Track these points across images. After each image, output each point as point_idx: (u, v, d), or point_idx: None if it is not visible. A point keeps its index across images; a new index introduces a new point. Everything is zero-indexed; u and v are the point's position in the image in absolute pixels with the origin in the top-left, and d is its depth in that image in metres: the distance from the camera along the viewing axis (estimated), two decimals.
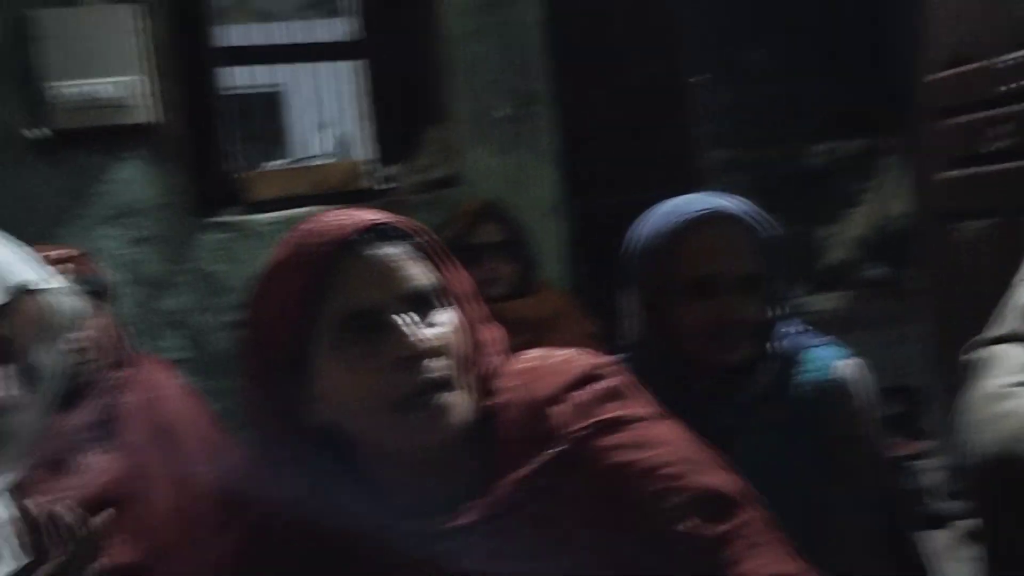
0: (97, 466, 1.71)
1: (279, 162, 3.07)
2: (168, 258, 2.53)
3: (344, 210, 0.94)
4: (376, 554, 0.89)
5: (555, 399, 0.92)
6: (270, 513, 0.95)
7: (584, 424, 0.90)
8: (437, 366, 0.87)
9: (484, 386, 0.93)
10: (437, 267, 0.93)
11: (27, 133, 2.36)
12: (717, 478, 0.90)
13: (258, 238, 2.56)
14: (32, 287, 0.85)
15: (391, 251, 0.89)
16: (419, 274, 0.90)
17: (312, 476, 0.90)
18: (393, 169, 2.79)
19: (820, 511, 1.27)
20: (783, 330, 1.35)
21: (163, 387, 1.96)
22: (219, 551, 1.64)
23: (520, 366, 0.98)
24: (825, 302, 3.61)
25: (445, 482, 0.91)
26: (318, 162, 2.98)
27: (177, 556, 1.73)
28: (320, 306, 0.88)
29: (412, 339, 0.86)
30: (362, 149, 3.14)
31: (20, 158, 2.40)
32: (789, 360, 1.34)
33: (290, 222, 2.55)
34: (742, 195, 1.40)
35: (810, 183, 3.76)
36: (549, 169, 2.84)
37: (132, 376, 1.88)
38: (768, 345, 1.33)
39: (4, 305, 0.82)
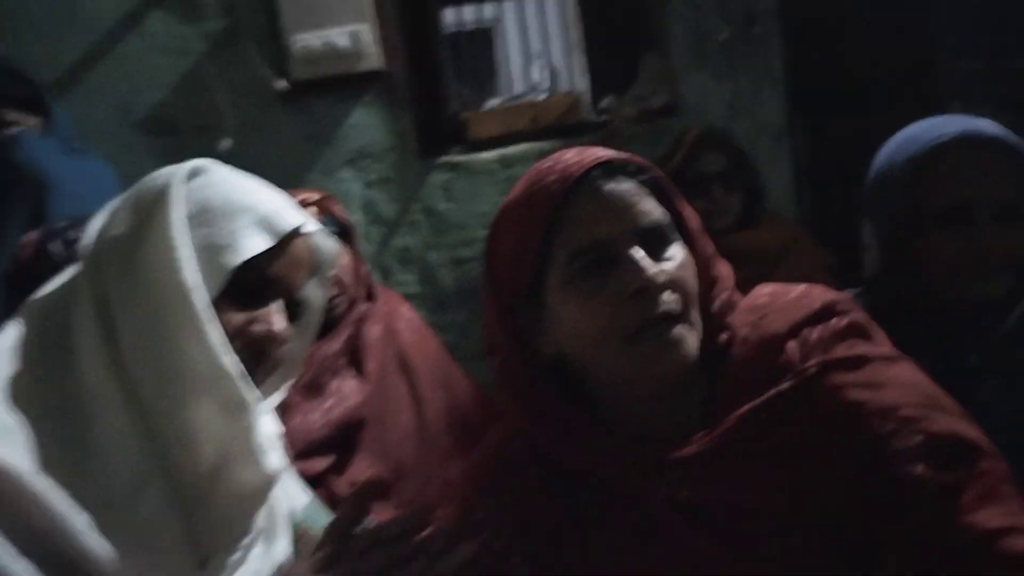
0: (347, 390, 1.87)
1: (497, 100, 3.11)
2: (398, 198, 2.66)
3: (576, 148, 0.95)
4: (605, 480, 0.92)
5: (789, 335, 0.91)
6: (508, 437, 1.01)
7: (818, 361, 0.88)
8: (669, 299, 0.88)
9: (715, 321, 0.93)
10: (667, 202, 0.93)
11: (274, 84, 2.55)
12: (955, 424, 0.85)
13: (481, 176, 2.64)
14: (300, 230, 0.93)
15: (623, 187, 0.91)
16: (651, 209, 0.91)
17: (545, 404, 0.94)
18: (609, 100, 2.76)
19: None
20: None
21: (400, 319, 2.10)
22: (457, 472, 1.75)
23: (753, 302, 0.97)
24: None
25: (672, 413, 0.93)
26: (534, 98, 2.98)
27: (415, 475, 1.87)
28: (554, 241, 0.90)
29: (645, 272, 0.87)
30: (576, 81, 3.13)
31: (268, 108, 2.60)
32: None
33: (511, 159, 2.63)
34: (992, 114, 1.27)
35: None
36: (774, 92, 2.69)
37: (374, 309, 2.03)
38: None
39: (277, 246, 0.89)
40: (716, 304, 0.94)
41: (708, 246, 0.96)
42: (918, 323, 1.18)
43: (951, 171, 1.20)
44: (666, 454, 0.89)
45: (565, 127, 2.71)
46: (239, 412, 0.85)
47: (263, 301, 0.89)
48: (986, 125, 1.22)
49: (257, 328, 0.88)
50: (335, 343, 1.89)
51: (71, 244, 1.37)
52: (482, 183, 2.64)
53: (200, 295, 0.83)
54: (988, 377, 1.16)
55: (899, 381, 0.87)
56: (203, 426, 0.83)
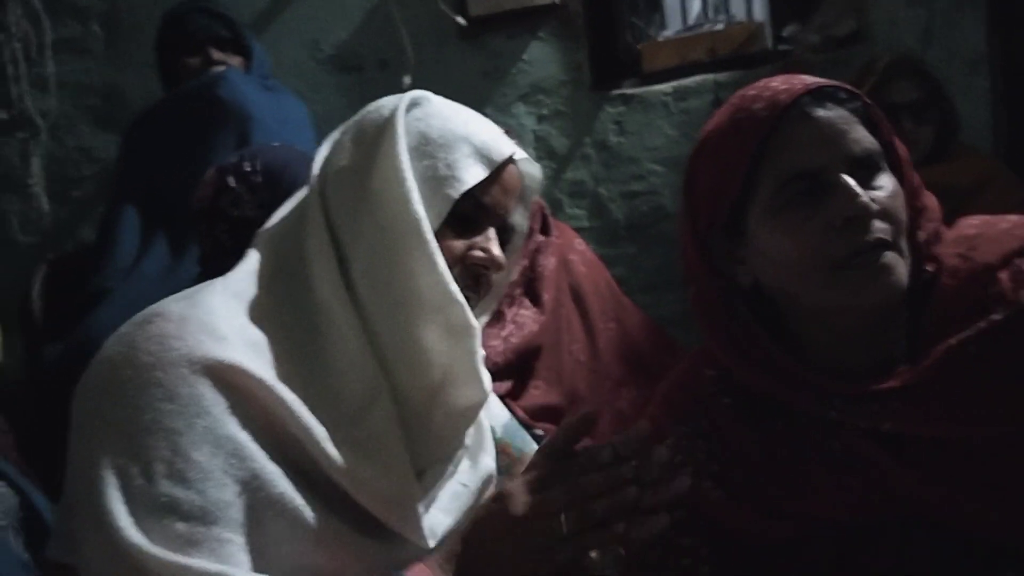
0: (524, 319, 1.94)
1: (673, 31, 3.04)
2: (570, 132, 2.67)
3: (782, 76, 0.94)
4: (800, 411, 0.93)
5: (1001, 265, 0.88)
6: (699, 366, 1.03)
7: None
8: (880, 227, 0.87)
9: (922, 252, 0.92)
10: (876, 132, 0.92)
11: (454, 20, 2.60)
12: None
13: (654, 109, 2.61)
14: (512, 158, 0.95)
15: (834, 113, 0.89)
16: (862, 137, 0.90)
17: (741, 334, 0.95)
18: (791, 29, 2.64)
19: None
20: None
21: (573, 252, 2.14)
22: (632, 402, 1.78)
23: (961, 231, 0.94)
24: None
25: (873, 347, 0.92)
26: (712, 27, 2.89)
27: (587, 403, 1.93)
28: (761, 169, 0.90)
29: (859, 199, 0.86)
30: (756, 10, 3.01)
31: (447, 44, 2.66)
32: None
33: (685, 92, 2.58)
34: None
35: None
36: (973, 16, 2.49)
37: (548, 242, 2.08)
38: None
39: (492, 174, 0.91)
40: (923, 235, 0.92)
41: (915, 177, 0.94)
42: None
43: None
44: (868, 388, 0.89)
45: (744, 57, 2.62)
46: (464, 336, 0.88)
47: (480, 228, 0.92)
48: None
49: (477, 255, 0.91)
50: (514, 273, 1.95)
51: (246, 177, 1.42)
52: (655, 116, 2.61)
53: (427, 225, 0.86)
54: None
55: None
56: (429, 348, 0.87)
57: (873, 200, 0.87)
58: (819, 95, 0.90)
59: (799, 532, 0.91)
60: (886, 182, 0.90)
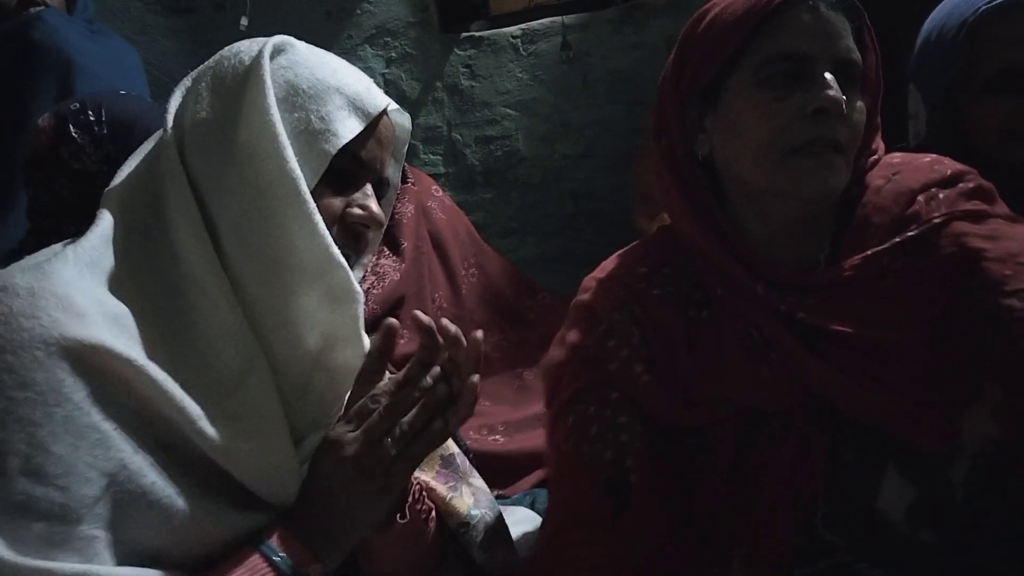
0: (385, 267, 1.91)
1: None
2: (420, 76, 2.62)
3: None
4: (725, 299, 0.99)
5: (921, 190, 0.97)
6: (632, 261, 1.08)
7: (945, 212, 0.93)
8: (842, 132, 0.92)
9: (862, 169, 0.99)
10: (863, 53, 0.97)
11: None
12: None
13: (504, 52, 2.59)
14: (387, 109, 0.91)
15: (836, 16, 0.94)
16: (854, 49, 0.95)
17: (697, 193, 1.00)
18: None
19: None
20: None
21: (431, 198, 2.12)
22: (504, 341, 1.79)
23: (887, 160, 1.02)
24: None
25: (801, 243, 0.99)
26: None
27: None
28: (754, 42, 0.94)
29: (833, 95, 0.90)
30: None
31: None
32: None
33: (535, 34, 2.57)
34: None
35: None
36: None
37: (405, 188, 2.04)
38: None
39: (367, 127, 0.87)
40: (868, 160, 0.99)
41: (877, 118, 1.01)
42: None
43: (1004, 34, 1.19)
44: (792, 278, 0.96)
45: (593, 1, 2.64)
46: (346, 301, 0.84)
47: (357, 184, 0.88)
48: None
49: (356, 212, 0.87)
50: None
51: (89, 127, 1.31)
52: (506, 59, 2.59)
53: (304, 184, 0.80)
54: None
55: (1018, 236, 0.93)
56: (309, 314, 0.82)
57: (843, 100, 0.91)
58: None
59: (714, 417, 0.97)
60: (858, 99, 0.95)
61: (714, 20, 0.98)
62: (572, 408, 1.02)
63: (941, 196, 0.96)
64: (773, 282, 0.96)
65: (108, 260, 0.80)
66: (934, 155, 1.02)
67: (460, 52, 2.60)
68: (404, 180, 2.05)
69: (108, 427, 0.72)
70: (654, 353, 1.00)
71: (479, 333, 0.88)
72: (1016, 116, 1.20)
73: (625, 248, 1.12)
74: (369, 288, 1.86)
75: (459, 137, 2.64)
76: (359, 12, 2.57)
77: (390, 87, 2.61)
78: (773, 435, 0.94)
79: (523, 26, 2.59)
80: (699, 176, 1.01)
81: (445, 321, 0.85)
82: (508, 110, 2.61)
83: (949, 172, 0.99)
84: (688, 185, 1.01)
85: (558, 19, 2.57)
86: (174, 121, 0.85)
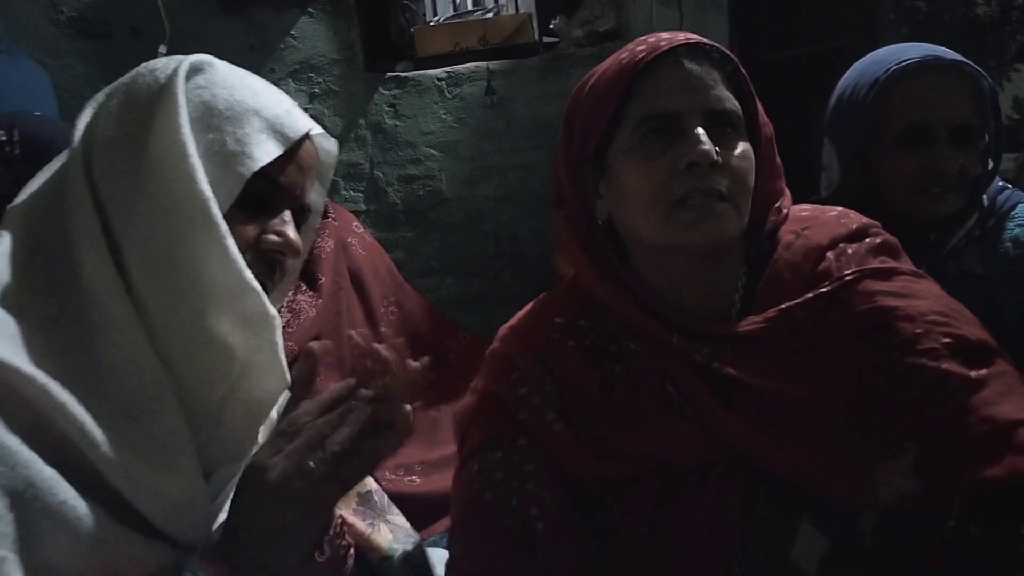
0: (302, 304, 1.86)
1: (443, 16, 3.05)
2: (344, 113, 2.61)
3: (674, 31, 0.99)
4: (639, 352, 0.99)
5: (830, 246, 0.98)
6: (547, 309, 1.07)
7: (855, 269, 0.95)
8: (721, 181, 0.92)
9: (768, 228, 1.00)
10: (745, 101, 0.97)
11: None
12: (978, 330, 0.93)
13: (428, 93, 2.61)
14: (310, 133, 0.89)
15: (704, 68, 0.94)
16: (726, 97, 0.95)
17: (602, 258, 1.01)
18: (557, 22, 2.74)
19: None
20: (996, 185, 1.30)
21: (351, 234, 2.09)
22: (421, 380, 1.77)
23: (795, 214, 1.03)
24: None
25: (708, 295, 0.99)
26: (483, 15, 2.93)
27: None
28: (630, 106, 0.95)
29: (703, 147, 0.91)
30: (523, 1, 3.09)
31: (208, 15, 2.50)
32: (1000, 215, 1.30)
33: (459, 78, 2.59)
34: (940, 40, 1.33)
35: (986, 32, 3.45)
36: (718, 18, 2.72)
37: (325, 224, 2.01)
38: (979, 199, 1.29)
39: (287, 152, 0.85)
40: (774, 218, 1.00)
41: (776, 159, 1.02)
42: None
43: (913, 93, 1.26)
44: (706, 327, 0.96)
45: (513, 47, 2.68)
46: (262, 326, 0.81)
47: (274, 210, 0.85)
48: (943, 52, 1.28)
49: (271, 239, 0.84)
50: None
51: (0, 147, 1.28)
52: (430, 100, 2.61)
53: (215, 206, 0.78)
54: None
55: (927, 293, 0.95)
56: (223, 341, 0.79)
57: (719, 155, 0.92)
58: (696, 50, 0.95)
59: (629, 471, 0.95)
60: (739, 145, 0.95)
61: (593, 87, 0.99)
62: (479, 454, 0.99)
63: (850, 251, 0.98)
64: (687, 333, 0.96)
65: (4, 278, 0.76)
66: (840, 208, 1.05)
67: (385, 91, 2.60)
68: (325, 215, 2.02)
69: (13, 442, 0.68)
70: (569, 404, 0.98)
71: (417, 363, 0.85)
72: (922, 170, 1.25)
73: (541, 296, 1.11)
74: (284, 326, 1.82)
75: (381, 175, 2.63)
76: (283, 47, 2.55)
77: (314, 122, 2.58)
78: (690, 488, 0.93)
79: (448, 69, 2.61)
80: (602, 240, 1.02)
81: (380, 347, 0.82)
82: (431, 150, 2.61)
83: (855, 226, 1.01)
84: (592, 251, 1.01)
85: (483, 64, 2.61)
86: (83, 138, 0.82)
